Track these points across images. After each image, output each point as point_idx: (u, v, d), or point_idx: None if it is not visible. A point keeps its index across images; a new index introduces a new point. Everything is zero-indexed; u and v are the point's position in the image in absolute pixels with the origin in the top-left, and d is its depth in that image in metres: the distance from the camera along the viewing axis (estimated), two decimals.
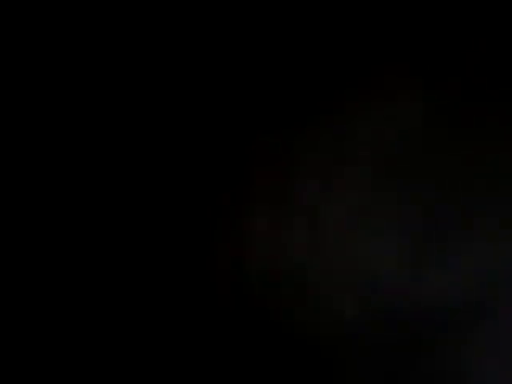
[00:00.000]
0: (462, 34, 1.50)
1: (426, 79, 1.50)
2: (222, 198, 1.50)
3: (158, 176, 1.52)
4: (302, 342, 1.52)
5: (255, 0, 1.49)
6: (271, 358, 1.52)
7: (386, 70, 1.50)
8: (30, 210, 1.51)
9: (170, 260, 1.52)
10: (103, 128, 1.52)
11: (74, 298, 1.49)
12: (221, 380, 1.50)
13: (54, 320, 1.48)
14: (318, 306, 1.52)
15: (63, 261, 1.49)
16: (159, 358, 1.49)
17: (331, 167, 1.52)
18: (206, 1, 1.48)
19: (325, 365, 1.52)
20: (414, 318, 1.49)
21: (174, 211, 1.53)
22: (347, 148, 1.53)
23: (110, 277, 1.50)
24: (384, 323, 1.49)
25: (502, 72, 1.49)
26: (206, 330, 1.50)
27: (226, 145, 1.53)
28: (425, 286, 1.49)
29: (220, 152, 1.53)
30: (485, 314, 1.47)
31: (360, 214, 1.52)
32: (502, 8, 1.50)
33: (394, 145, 1.51)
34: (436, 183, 1.52)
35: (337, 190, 1.52)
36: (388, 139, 1.51)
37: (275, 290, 1.52)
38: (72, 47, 1.48)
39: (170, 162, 1.53)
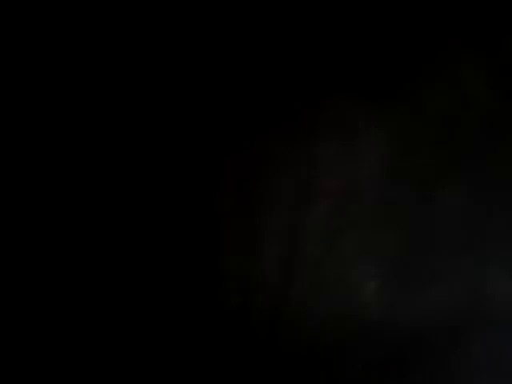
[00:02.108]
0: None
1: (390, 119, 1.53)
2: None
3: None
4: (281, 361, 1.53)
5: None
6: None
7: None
8: (30, 210, 1.49)
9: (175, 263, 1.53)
10: (104, 129, 1.52)
11: (86, 299, 1.47)
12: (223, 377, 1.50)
13: (56, 320, 1.47)
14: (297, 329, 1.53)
15: (65, 262, 1.48)
16: (164, 357, 1.49)
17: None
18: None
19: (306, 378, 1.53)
20: (391, 343, 1.51)
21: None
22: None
23: (110, 280, 1.49)
24: (362, 349, 1.51)
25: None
26: (212, 333, 1.50)
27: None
28: (401, 313, 1.52)
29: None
30: (461, 339, 1.49)
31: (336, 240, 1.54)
32: None
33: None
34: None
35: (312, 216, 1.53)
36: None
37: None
38: (72, 47, 1.48)
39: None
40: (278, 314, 1.51)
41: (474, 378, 1.46)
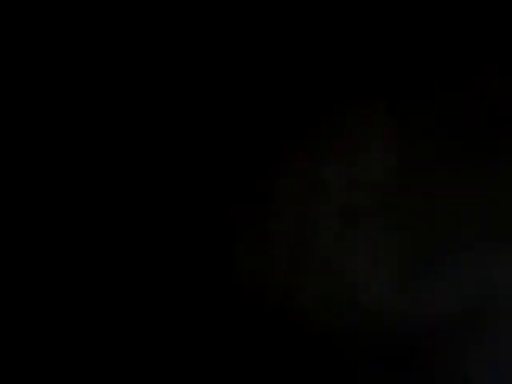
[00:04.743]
0: (437, 72, 1.53)
1: (401, 119, 1.54)
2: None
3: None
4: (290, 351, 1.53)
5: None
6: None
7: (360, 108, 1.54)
8: (30, 210, 1.50)
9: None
10: (108, 130, 1.52)
11: (89, 300, 1.48)
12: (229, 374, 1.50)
13: (57, 320, 1.48)
14: (305, 320, 1.53)
15: (68, 263, 1.49)
16: (170, 357, 1.49)
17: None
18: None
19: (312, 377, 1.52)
20: (401, 336, 1.49)
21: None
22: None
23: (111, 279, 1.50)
24: (371, 343, 1.49)
25: (476, 113, 1.52)
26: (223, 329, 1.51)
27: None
28: (412, 304, 1.50)
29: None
30: (472, 328, 1.46)
31: (346, 233, 1.54)
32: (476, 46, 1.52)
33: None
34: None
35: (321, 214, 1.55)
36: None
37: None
38: (72, 47, 1.48)
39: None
40: (288, 303, 1.53)
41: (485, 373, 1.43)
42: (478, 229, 1.51)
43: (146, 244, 1.52)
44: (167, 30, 1.50)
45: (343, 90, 1.57)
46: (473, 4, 1.49)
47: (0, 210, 1.50)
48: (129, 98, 1.53)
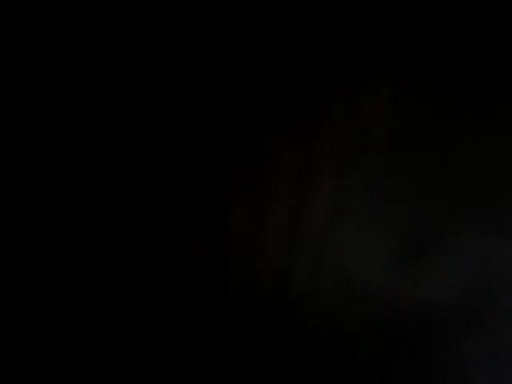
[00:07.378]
0: (436, 30, 1.48)
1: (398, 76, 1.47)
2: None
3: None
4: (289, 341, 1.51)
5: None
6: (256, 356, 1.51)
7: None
8: (29, 209, 1.51)
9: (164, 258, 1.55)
10: (102, 128, 1.51)
11: (83, 298, 1.48)
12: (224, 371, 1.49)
13: (56, 318, 1.48)
14: (302, 311, 1.51)
15: (65, 261, 1.48)
16: (165, 354, 1.49)
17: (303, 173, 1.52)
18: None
19: (311, 369, 1.50)
20: (402, 324, 1.46)
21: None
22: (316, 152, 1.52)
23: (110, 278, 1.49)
24: (371, 331, 1.46)
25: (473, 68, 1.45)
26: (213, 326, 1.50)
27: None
28: (413, 290, 1.46)
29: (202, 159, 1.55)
30: (476, 316, 1.42)
31: (343, 214, 1.50)
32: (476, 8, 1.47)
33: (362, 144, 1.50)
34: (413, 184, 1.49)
35: (319, 192, 1.52)
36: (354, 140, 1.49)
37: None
38: (72, 47, 1.47)
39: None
40: (283, 293, 1.51)
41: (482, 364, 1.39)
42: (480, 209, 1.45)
43: (140, 224, 1.51)
44: (152, 25, 1.51)
45: (342, 52, 1.52)
46: None
47: (0, 209, 1.52)
48: (114, 84, 1.50)
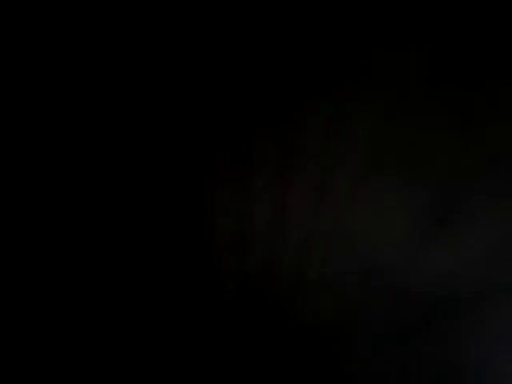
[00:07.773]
0: None
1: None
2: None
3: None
4: (304, 328, 1.49)
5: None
6: (273, 343, 1.49)
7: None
8: (29, 209, 1.49)
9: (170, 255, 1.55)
10: (101, 128, 1.51)
11: (82, 297, 1.46)
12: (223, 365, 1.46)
13: (56, 318, 1.45)
14: (319, 287, 1.50)
15: (64, 261, 1.46)
16: (164, 351, 1.46)
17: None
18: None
19: (327, 349, 1.48)
20: (418, 297, 1.45)
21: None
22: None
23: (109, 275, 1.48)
24: (386, 303, 1.45)
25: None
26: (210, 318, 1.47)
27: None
28: (430, 264, 1.46)
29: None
30: (493, 292, 1.42)
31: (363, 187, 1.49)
32: None
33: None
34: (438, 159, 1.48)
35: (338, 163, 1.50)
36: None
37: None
38: (72, 47, 1.46)
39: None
40: (299, 275, 1.50)
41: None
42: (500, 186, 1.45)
43: (135, 215, 1.51)
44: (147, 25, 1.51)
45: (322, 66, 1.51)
46: None
47: (0, 209, 1.50)
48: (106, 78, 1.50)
